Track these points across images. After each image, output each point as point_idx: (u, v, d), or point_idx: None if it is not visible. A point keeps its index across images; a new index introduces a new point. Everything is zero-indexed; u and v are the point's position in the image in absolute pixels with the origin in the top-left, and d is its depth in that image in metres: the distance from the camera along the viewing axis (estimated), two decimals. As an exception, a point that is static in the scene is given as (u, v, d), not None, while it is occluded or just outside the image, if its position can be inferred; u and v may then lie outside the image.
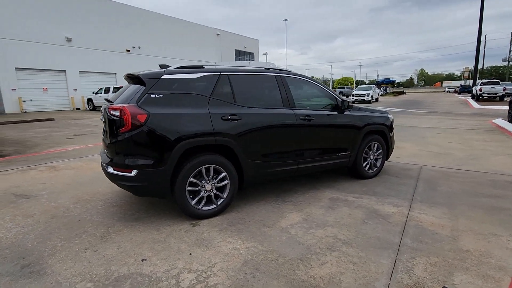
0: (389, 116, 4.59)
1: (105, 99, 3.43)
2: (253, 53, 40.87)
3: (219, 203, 3.07)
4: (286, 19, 41.39)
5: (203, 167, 2.91)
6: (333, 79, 63.40)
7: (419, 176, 4.44)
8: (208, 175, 2.96)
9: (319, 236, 2.65)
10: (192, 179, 2.86)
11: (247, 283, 1.99)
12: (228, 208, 3.24)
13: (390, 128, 4.55)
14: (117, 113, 2.65)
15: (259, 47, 42.51)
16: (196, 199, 2.93)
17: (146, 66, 26.27)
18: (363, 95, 26.87)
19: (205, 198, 2.98)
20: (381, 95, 50.07)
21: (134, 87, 2.87)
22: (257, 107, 3.28)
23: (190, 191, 2.88)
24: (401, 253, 2.36)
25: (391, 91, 65.44)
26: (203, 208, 2.98)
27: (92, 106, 20.24)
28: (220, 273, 2.10)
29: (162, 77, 2.84)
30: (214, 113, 2.95)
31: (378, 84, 61.61)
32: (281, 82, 3.54)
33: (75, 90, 21.72)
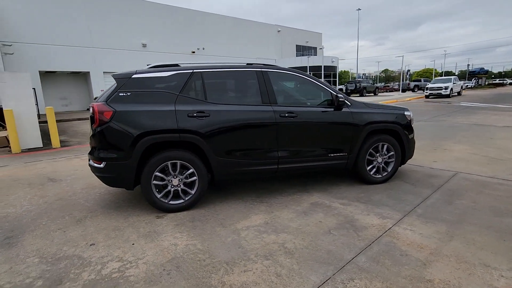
0: (406, 113, 3.94)
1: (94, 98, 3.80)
2: (316, 48, 39.54)
3: (187, 198, 3.13)
4: (359, 9, 38.65)
5: (169, 162, 3.01)
6: (410, 71, 56.64)
7: (443, 186, 3.71)
8: (174, 171, 3.06)
9: (266, 241, 2.48)
10: (158, 173, 3.00)
11: (158, 279, 2.01)
12: (199, 204, 3.29)
13: (407, 127, 3.90)
14: (91, 110, 2.95)
15: (323, 40, 40.85)
16: (162, 193, 3.06)
17: (209, 65, 28.09)
18: (440, 88, 23.37)
19: (171, 192, 3.09)
20: (471, 87, 42.83)
21: (112, 87, 3.14)
22: (230, 104, 3.22)
23: (156, 185, 3.03)
24: (342, 272, 2.04)
25: (487, 82, 55.25)
26: (170, 202, 3.09)
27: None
28: (142, 266, 2.17)
29: (132, 76, 3.04)
30: (180, 110, 3.01)
31: (472, 74, 52.43)
32: (262, 77, 3.39)
33: (148, 89, 24.58)
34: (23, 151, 6.94)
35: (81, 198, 3.62)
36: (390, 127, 3.79)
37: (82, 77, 22.29)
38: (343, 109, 3.61)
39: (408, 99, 22.95)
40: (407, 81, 40.57)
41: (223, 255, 2.29)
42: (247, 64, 3.48)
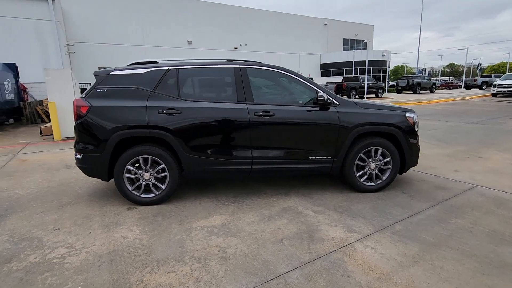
0: (407, 115, 3.47)
1: None
2: (367, 41, 37.04)
3: (158, 193, 3.21)
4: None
5: (141, 157, 3.11)
6: (481, 65, 49.82)
7: (447, 200, 3.20)
8: (146, 165, 3.15)
9: (210, 244, 2.41)
10: (129, 167, 3.12)
11: (87, 269, 2.10)
12: (172, 198, 3.35)
13: (408, 131, 3.44)
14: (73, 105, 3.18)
15: (380, 33, 38.06)
16: (134, 186, 3.18)
17: (251, 61, 28.30)
18: (510, 85, 20.19)
19: (143, 186, 3.19)
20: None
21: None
22: (203, 101, 3.18)
23: (128, 178, 3.15)
24: (264, 286, 1.89)
25: None
26: (142, 195, 3.20)
27: (202, 99, 23.54)
28: (83, 255, 2.28)
29: (110, 73, 3.18)
30: (151, 107, 3.07)
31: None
32: (239, 74, 3.27)
33: (192, 85, 25.78)
34: (63, 139, 7.83)
35: (78, 185, 3.95)
36: (385, 130, 3.38)
37: (134, 73, 24.26)
38: (330, 109, 3.32)
39: (469, 97, 20.33)
40: (474, 77, 35.84)
41: (161, 253, 2.29)
42: (227, 60, 3.40)
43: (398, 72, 75.69)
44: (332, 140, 3.31)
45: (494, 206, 3.04)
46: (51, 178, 4.29)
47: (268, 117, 3.19)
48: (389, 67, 32.69)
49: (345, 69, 31.40)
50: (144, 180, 3.17)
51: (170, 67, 3.23)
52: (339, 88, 21.34)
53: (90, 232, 2.64)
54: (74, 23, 20.44)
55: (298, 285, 1.89)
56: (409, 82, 27.88)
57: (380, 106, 3.51)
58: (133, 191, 3.18)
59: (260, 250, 2.31)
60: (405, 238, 2.44)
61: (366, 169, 3.45)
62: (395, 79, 35.90)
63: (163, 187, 3.20)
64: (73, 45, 17.38)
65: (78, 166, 3.24)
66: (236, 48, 27.38)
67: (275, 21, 29.54)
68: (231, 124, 3.17)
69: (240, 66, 3.31)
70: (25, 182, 4.15)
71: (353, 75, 27.46)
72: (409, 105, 16.05)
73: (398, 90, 29.03)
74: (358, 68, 30.25)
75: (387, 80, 31.87)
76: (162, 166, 3.15)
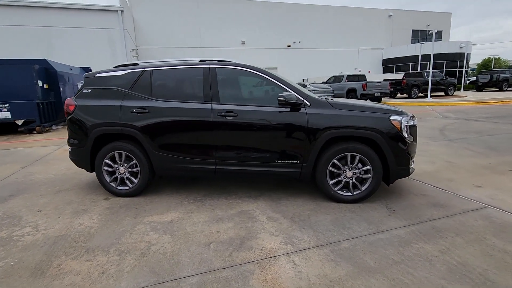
0: (393, 118, 2.99)
1: None
2: (441, 31, 32.63)
3: (131, 186, 3.44)
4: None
5: (116, 152, 3.38)
6: None
7: (434, 221, 2.69)
8: (120, 160, 3.41)
9: (143, 239, 2.50)
10: (107, 161, 3.42)
11: (33, 248, 2.39)
12: (147, 192, 3.56)
13: (393, 136, 2.97)
14: (66, 104, 3.62)
15: (459, 21, 33.17)
16: (111, 178, 3.47)
17: (306, 59, 27.59)
18: None
19: (118, 179, 3.46)
20: None
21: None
22: (170, 101, 3.28)
23: (106, 171, 3.45)
24: (161, 286, 1.89)
25: None
26: (118, 187, 3.47)
27: (252, 97, 24.02)
28: (39, 235, 2.60)
29: (95, 75, 3.51)
30: (125, 106, 3.31)
31: None
32: (209, 75, 3.28)
33: (244, 83, 26.47)
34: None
35: (85, 174, 4.47)
36: (362, 134, 2.98)
37: (192, 73, 26.04)
38: (302, 110, 3.08)
39: None
40: None
41: (96, 242, 2.47)
42: (200, 60, 3.43)
43: (488, 65, 64.74)
44: (300, 143, 3.07)
45: (491, 233, 2.43)
46: (72, 167, 4.94)
47: (231, 118, 3.13)
48: (467, 60, 28.23)
49: (412, 64, 28.27)
50: (119, 173, 3.44)
51: (145, 69, 3.42)
52: (397, 86, 19.37)
53: (59, 216, 3.00)
54: (142, 30, 22.92)
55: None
56: (493, 77, 23.77)
57: (362, 107, 3.11)
58: (111, 183, 3.47)
59: (181, 251, 2.31)
60: (341, 258, 2.14)
61: (342, 177, 3.11)
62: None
63: (135, 181, 3.42)
64: (137, 49, 19.53)
65: (70, 158, 3.68)
66: (289, 46, 27.10)
67: (332, 16, 28.23)
68: (194, 124, 3.21)
69: (210, 66, 3.31)
70: (51, 169, 4.88)
71: (419, 70, 24.56)
72: (483, 104, 13.73)
73: (478, 86, 24.98)
74: (428, 62, 26.92)
75: (463, 75, 27.61)
76: (134, 161, 3.37)
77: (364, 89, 15.80)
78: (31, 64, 9.47)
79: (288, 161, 3.14)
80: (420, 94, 19.41)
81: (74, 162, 3.65)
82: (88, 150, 3.41)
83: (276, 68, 27.02)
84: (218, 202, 3.28)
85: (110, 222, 2.84)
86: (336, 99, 3.52)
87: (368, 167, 3.04)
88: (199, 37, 24.55)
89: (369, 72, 29.37)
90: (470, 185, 3.58)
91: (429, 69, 18.33)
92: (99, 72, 3.54)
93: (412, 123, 3.14)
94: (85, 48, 16.22)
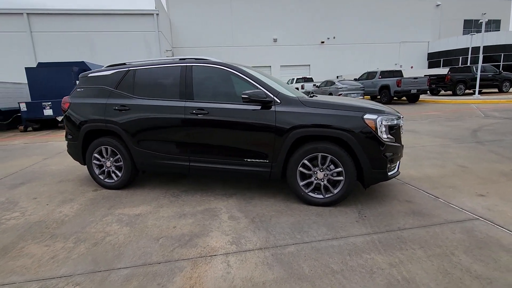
0: (366, 117, 2.76)
1: None
2: (499, 20, 29.05)
3: (116, 179, 3.65)
4: None
5: (102, 147, 3.61)
6: None
7: (404, 231, 2.45)
8: (106, 154, 3.63)
9: (104, 229, 2.64)
10: (95, 155, 3.66)
11: (11, 230, 2.67)
12: (133, 185, 3.75)
13: (366, 136, 2.74)
14: (64, 102, 3.94)
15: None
16: (100, 171, 3.71)
17: (340, 55, 26.59)
18: None
19: (105, 172, 3.69)
20: None
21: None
22: (149, 99, 3.40)
23: (95, 164, 3.70)
24: (93, 275, 2.00)
25: None
26: (105, 180, 3.70)
27: (283, 95, 23.79)
28: (22, 220, 2.89)
29: (88, 75, 3.77)
30: (109, 104, 3.51)
31: None
32: (185, 73, 3.33)
33: (275, 81, 26.35)
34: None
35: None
36: (331, 134, 2.80)
37: (225, 71, 26.59)
38: (273, 108, 2.99)
39: None
40: None
41: (64, 229, 2.67)
42: (180, 59, 3.50)
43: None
44: (269, 142, 2.98)
45: (462, 249, 2.13)
46: (66, 161, 5.38)
47: (202, 115, 3.15)
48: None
49: (463, 58, 25.64)
50: (106, 167, 3.67)
51: (130, 68, 3.59)
52: (440, 82, 17.72)
53: (47, 204, 3.30)
54: (178, 31, 24.01)
55: (114, 281, 1.91)
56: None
57: (334, 105, 2.91)
58: (99, 176, 3.72)
59: (131, 243, 2.40)
60: (278, 263, 2.05)
61: (313, 178, 2.96)
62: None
63: (120, 174, 3.63)
64: (171, 50, 20.49)
65: (67, 151, 4.01)
66: (322, 42, 26.34)
67: (370, 9, 26.74)
68: (169, 121, 3.29)
69: (186, 64, 3.37)
70: (65, 161, 5.36)
71: (469, 64, 22.17)
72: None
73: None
74: (483, 55, 24.19)
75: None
76: (118, 156, 3.57)
77: (398, 86, 14.72)
78: (70, 66, 10.49)
79: (258, 160, 3.07)
80: (467, 91, 17.54)
81: (70, 155, 3.97)
82: (80, 145, 3.69)
83: (309, 65, 26.48)
84: (192, 198, 3.33)
85: (85, 212, 3.04)
86: (318, 97, 3.34)
87: (340, 169, 2.85)
88: (231, 36, 24.99)
89: (411, 67, 27.42)
90: (471, 193, 3.16)
91: (479, 63, 16.47)
92: (91, 72, 3.80)
93: (393, 123, 2.87)
94: (123, 50, 17.45)
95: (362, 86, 15.19)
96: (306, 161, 2.92)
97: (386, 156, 2.79)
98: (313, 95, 3.51)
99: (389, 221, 2.62)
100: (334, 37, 26.31)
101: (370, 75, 17.24)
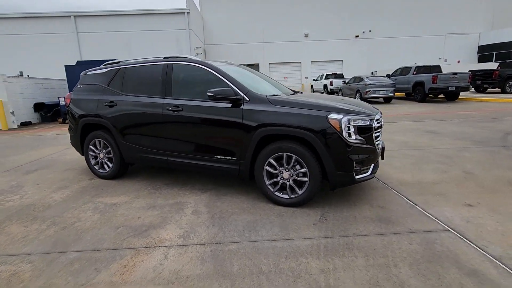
0: (331, 116, 2.63)
1: None
2: None
3: (108, 170, 3.93)
4: None
5: (96, 140, 3.91)
6: None
7: (351, 237, 2.32)
8: (100, 147, 3.92)
9: (79, 215, 2.88)
10: (91, 147, 3.98)
11: (4, 212, 3.03)
12: (126, 177, 4.01)
13: (330, 137, 2.63)
14: (69, 98, 4.30)
15: None
16: (95, 162, 4.02)
17: (376, 50, 25.20)
18: None
19: (99, 163, 3.99)
20: None
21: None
22: (134, 95, 3.59)
23: (91, 155, 4.02)
24: (50, 256, 2.21)
25: None
26: (100, 170, 4.01)
27: (312, 91, 23.29)
28: (17, 202, 3.26)
29: (87, 73, 4.09)
30: (101, 100, 3.78)
31: None
32: (166, 71, 3.45)
33: (306, 78, 25.82)
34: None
35: (99, 158, 5.24)
36: (295, 133, 2.72)
37: (255, 68, 26.65)
38: (244, 106, 2.99)
39: None
40: None
41: (47, 213, 2.97)
42: (164, 57, 3.63)
43: None
44: (237, 140, 3.00)
45: (409, 261, 1.97)
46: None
47: (177, 112, 3.26)
48: None
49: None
50: (99, 158, 3.97)
51: (121, 67, 3.82)
52: (487, 78, 15.98)
53: (45, 190, 3.67)
54: (210, 29, 24.59)
55: (60, 263, 2.10)
56: None
57: (300, 104, 2.82)
58: (95, 166, 4.03)
59: (93, 230, 2.59)
60: (212, 259, 2.08)
61: (279, 178, 2.91)
62: None
63: (111, 166, 3.90)
64: (201, 47, 21.08)
65: (70, 143, 4.39)
66: (357, 36, 25.16)
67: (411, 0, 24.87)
68: (150, 117, 3.45)
69: (168, 62, 3.49)
70: (82, 151, 5.86)
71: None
72: None
73: None
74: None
75: None
76: (109, 148, 3.84)
77: (434, 83, 13.57)
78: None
79: (227, 157, 3.10)
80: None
81: (73, 147, 4.35)
82: (78, 137, 4.03)
83: (341, 61, 25.55)
84: (170, 191, 3.47)
85: (72, 199, 3.34)
86: (294, 96, 3.26)
87: (304, 169, 2.77)
88: (261, 32, 24.97)
89: (458, 62, 25.17)
90: (458, 203, 2.88)
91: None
92: (90, 70, 4.11)
93: (364, 123, 2.71)
94: (156, 49, 18.37)
95: (392, 82, 14.30)
96: (272, 160, 2.89)
97: (352, 158, 2.65)
98: (293, 94, 3.44)
99: (348, 226, 2.50)
100: (370, 31, 24.97)
101: (404, 71, 16.13)
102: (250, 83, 3.43)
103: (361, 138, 2.71)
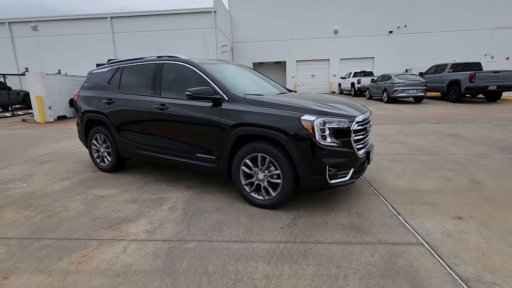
0: (303, 118, 2.53)
1: None
2: None
3: (107, 163, 4.16)
4: None
5: (97, 134, 4.15)
6: None
7: (310, 244, 2.23)
8: (100, 141, 4.15)
9: (67, 205, 3.09)
10: (93, 141, 4.23)
11: (6, 197, 3.34)
12: (124, 171, 4.21)
13: (302, 139, 2.53)
14: (78, 94, 4.60)
15: None
16: (97, 155, 4.27)
17: (413, 46, 23.72)
18: None
19: (100, 157, 4.23)
20: None
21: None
22: (128, 94, 3.74)
23: (93, 149, 4.28)
24: (26, 241, 2.41)
25: None
26: (101, 164, 4.25)
27: (340, 90, 22.55)
28: (21, 190, 3.56)
29: (92, 72, 4.33)
30: (101, 97, 4.00)
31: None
32: (157, 70, 3.56)
33: (334, 75, 25.04)
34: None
35: (109, 151, 5.55)
36: (267, 134, 2.66)
37: (282, 65, 26.47)
38: (223, 106, 2.99)
39: None
40: None
41: (42, 201, 3.21)
42: (157, 57, 3.74)
43: None
44: (214, 139, 3.01)
45: (365, 274, 1.85)
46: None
47: (163, 110, 3.34)
48: None
49: None
50: (100, 152, 4.21)
51: (120, 66, 4.00)
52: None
53: (50, 179, 3.97)
54: (238, 27, 24.80)
55: (31, 248, 2.27)
56: None
57: (275, 104, 2.74)
58: (97, 159, 4.29)
59: (74, 219, 2.76)
60: (166, 256, 2.12)
61: (254, 178, 2.88)
62: None
63: (109, 159, 4.12)
64: (226, 45, 21.33)
65: (78, 137, 4.70)
66: (391, 32, 23.84)
67: (453, -9, 22.98)
68: (140, 114, 3.58)
69: (159, 62, 3.59)
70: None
71: None
72: None
73: None
74: None
75: None
76: (108, 143, 4.06)
77: (471, 81, 12.44)
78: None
79: (206, 156, 3.13)
80: None
81: (80, 140, 4.65)
82: (83, 131, 4.31)
83: (373, 58, 24.44)
84: (157, 187, 3.58)
85: (68, 189, 3.58)
86: (270, 96, 3.13)
87: (278, 171, 2.71)
88: (289, 29, 24.65)
89: (507, 58, 22.93)
90: (447, 215, 2.63)
91: None
92: (95, 69, 4.36)
93: (342, 126, 2.58)
94: (184, 47, 18.98)
95: (423, 81, 13.38)
96: (248, 161, 2.86)
97: (325, 162, 2.53)
98: (282, 93, 3.36)
99: (314, 232, 2.40)
100: (405, 26, 23.52)
101: (439, 69, 14.99)
102: (236, 83, 3.43)
103: (337, 141, 2.58)
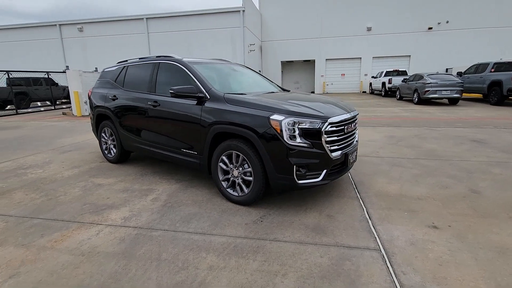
0: (272, 117, 2.56)
1: None
2: None
3: (113, 155, 4.51)
4: None
5: (105, 128, 4.51)
6: None
7: (278, 243, 2.27)
8: (107, 134, 4.51)
9: (67, 191, 3.43)
10: (102, 134, 4.61)
11: (22, 181, 3.79)
12: (129, 162, 4.54)
13: (270, 138, 2.57)
14: (93, 90, 5.00)
15: None
16: (105, 147, 4.65)
17: (454, 43, 22.01)
18: None
19: (107, 149, 4.59)
20: None
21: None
22: (130, 91, 4.02)
23: (102, 141, 4.65)
24: (19, 222, 2.75)
25: None
26: (108, 155, 4.62)
27: (371, 90, 21.62)
28: (34, 175, 4.01)
29: (104, 70, 4.70)
30: (108, 93, 4.33)
31: None
32: (154, 69, 3.78)
33: (365, 75, 24.00)
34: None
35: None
36: (239, 132, 2.74)
37: (311, 64, 25.98)
38: (206, 104, 3.12)
39: None
40: None
41: (49, 186, 3.59)
42: (157, 57, 3.96)
43: None
44: (197, 136, 3.15)
45: (306, 274, 1.86)
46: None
47: (155, 107, 3.56)
48: None
49: None
50: (107, 144, 4.57)
51: (125, 65, 4.31)
52: None
53: (63, 167, 4.41)
54: (268, 26, 24.79)
55: (24, 225, 2.59)
56: None
57: (250, 103, 2.79)
58: (105, 151, 4.67)
59: (67, 203, 3.06)
60: (132, 241, 2.31)
61: (230, 175, 2.97)
62: None
63: (115, 151, 4.46)
64: (253, 44, 21.45)
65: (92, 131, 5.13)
66: (430, 28, 22.25)
67: (505, -18, 20.81)
68: (137, 110, 3.84)
69: (155, 61, 3.82)
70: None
71: None
72: None
73: None
74: None
75: None
76: (113, 136, 4.40)
77: (515, 82, 11.28)
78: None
79: (189, 151, 3.28)
80: None
81: (93, 133, 5.08)
82: (94, 125, 4.71)
83: (409, 56, 23.09)
84: (151, 179, 3.82)
85: (75, 176, 3.96)
86: (247, 96, 3.14)
87: (249, 169, 2.77)
88: (320, 27, 24.10)
89: None
90: (422, 223, 2.51)
91: None
92: (107, 68, 4.73)
93: (312, 126, 2.57)
94: (213, 46, 19.49)
95: (460, 81, 12.39)
96: (224, 158, 2.96)
97: (292, 162, 2.54)
98: (271, 92, 3.40)
99: (276, 230, 2.43)
100: (447, 22, 21.79)
101: (480, 68, 13.76)
102: (224, 82, 3.54)
103: (307, 142, 2.58)
